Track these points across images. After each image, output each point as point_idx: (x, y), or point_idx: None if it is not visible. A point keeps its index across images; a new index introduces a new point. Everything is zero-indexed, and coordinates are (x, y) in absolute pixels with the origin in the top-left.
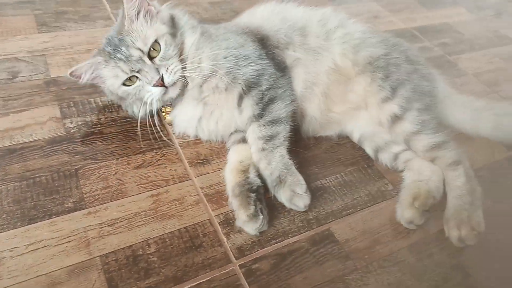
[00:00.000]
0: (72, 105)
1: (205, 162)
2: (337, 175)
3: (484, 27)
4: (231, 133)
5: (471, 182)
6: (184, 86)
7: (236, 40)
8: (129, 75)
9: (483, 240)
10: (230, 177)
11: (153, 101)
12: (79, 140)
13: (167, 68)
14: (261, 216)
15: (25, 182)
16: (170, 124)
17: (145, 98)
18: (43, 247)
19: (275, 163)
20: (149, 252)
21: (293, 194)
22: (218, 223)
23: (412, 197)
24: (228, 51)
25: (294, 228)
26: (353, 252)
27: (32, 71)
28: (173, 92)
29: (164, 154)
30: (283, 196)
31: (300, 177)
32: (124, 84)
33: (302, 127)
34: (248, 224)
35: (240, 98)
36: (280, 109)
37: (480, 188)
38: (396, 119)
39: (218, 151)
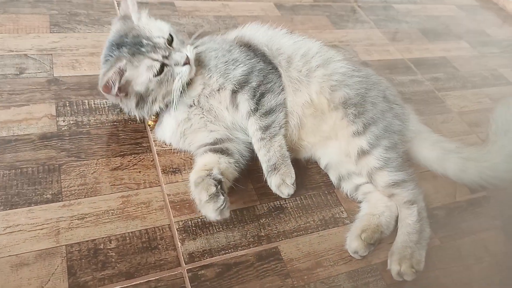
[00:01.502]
0: (67, 104)
1: (176, 171)
2: (296, 198)
3: (482, 65)
4: (199, 147)
5: (422, 222)
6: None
7: (223, 48)
8: (161, 62)
9: (422, 277)
10: (194, 176)
11: (182, 80)
12: (67, 138)
13: (186, 48)
14: (222, 197)
15: (13, 171)
16: (152, 128)
17: (176, 80)
18: (18, 231)
19: (273, 151)
20: (109, 247)
21: (282, 183)
22: (177, 229)
23: (361, 229)
24: (217, 60)
25: (244, 242)
26: (294, 271)
27: (38, 68)
28: (192, 72)
29: (141, 160)
30: (273, 182)
31: (292, 170)
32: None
33: None
34: (209, 205)
35: (234, 95)
36: (270, 101)
37: (429, 229)
38: (363, 153)
39: (191, 162)
